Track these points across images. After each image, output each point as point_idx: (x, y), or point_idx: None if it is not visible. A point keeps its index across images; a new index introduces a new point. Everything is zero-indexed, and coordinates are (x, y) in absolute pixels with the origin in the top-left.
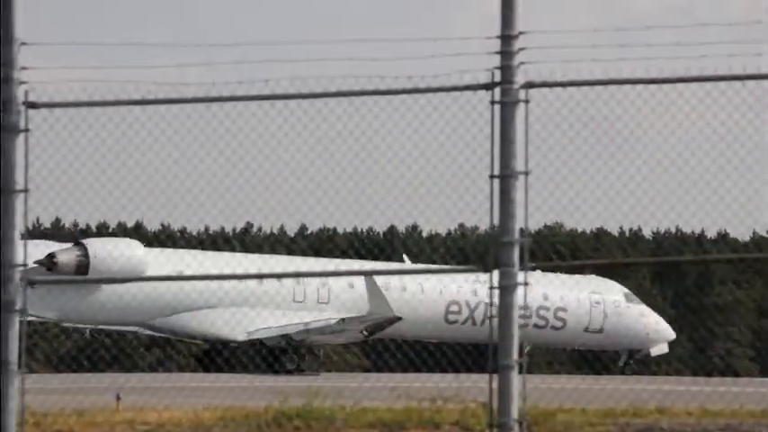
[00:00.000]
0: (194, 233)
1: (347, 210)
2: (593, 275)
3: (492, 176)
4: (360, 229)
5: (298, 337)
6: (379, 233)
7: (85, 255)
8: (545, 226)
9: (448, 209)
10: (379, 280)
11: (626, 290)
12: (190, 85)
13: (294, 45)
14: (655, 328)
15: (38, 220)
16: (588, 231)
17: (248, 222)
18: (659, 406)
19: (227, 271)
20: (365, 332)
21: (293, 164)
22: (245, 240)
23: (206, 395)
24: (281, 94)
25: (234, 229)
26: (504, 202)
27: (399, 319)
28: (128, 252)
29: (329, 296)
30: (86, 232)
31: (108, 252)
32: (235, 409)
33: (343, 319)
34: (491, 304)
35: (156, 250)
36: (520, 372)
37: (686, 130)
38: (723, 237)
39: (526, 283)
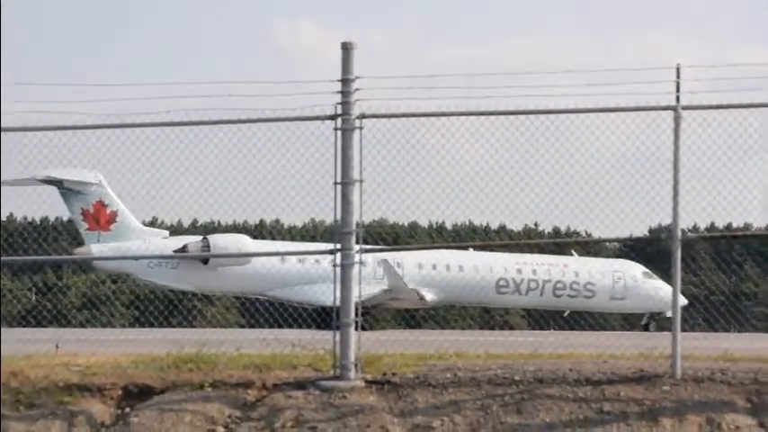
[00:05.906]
0: None
1: (228, 207)
2: (621, 258)
3: (336, 183)
4: (237, 222)
5: (366, 304)
6: (251, 225)
7: (208, 246)
8: (374, 220)
9: (303, 207)
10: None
11: (645, 269)
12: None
13: (190, 84)
14: (668, 296)
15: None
16: (405, 224)
17: (154, 217)
18: (457, 351)
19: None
20: (420, 298)
21: (187, 173)
22: None
23: (122, 345)
24: (179, 121)
25: (144, 222)
26: (345, 202)
27: (416, 291)
28: (238, 243)
29: (402, 272)
30: None
31: (224, 243)
32: (144, 355)
33: (385, 290)
34: (335, 278)
35: (261, 242)
36: (356, 328)
37: (477, 149)
38: (503, 228)
39: (360, 262)
